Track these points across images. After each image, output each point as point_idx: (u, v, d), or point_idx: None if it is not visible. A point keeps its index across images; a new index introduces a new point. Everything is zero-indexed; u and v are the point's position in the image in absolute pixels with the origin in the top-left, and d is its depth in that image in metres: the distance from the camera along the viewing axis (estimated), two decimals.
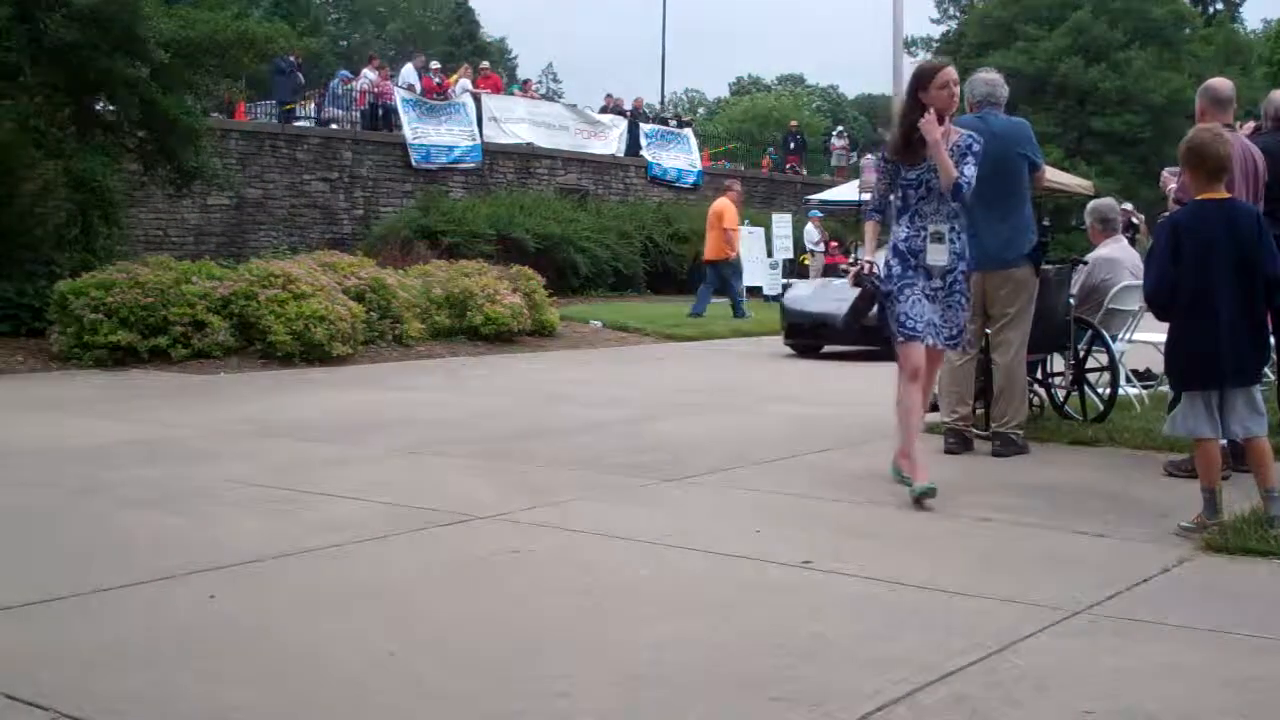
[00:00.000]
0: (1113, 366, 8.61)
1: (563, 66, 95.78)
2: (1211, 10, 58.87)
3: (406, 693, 3.48)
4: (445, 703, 3.42)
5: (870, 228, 6.78)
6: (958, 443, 7.65)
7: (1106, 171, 41.52)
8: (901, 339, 6.39)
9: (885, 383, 11.52)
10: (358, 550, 5.11)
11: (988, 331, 7.77)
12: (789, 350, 15.43)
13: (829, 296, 14.63)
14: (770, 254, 28.17)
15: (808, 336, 15.21)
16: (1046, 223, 10.17)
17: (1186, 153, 5.44)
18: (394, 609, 4.31)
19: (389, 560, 4.99)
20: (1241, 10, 61.09)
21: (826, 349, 15.22)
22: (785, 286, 21.46)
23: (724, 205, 20.35)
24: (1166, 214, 6.27)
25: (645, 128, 32.99)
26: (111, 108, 15.35)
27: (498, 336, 15.66)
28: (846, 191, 31.29)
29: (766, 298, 24.70)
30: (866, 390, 11.16)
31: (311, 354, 12.92)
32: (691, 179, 33.49)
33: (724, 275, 20.42)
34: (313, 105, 27.77)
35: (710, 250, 20.44)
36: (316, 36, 34.68)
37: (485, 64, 34.70)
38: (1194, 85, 7.57)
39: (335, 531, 5.39)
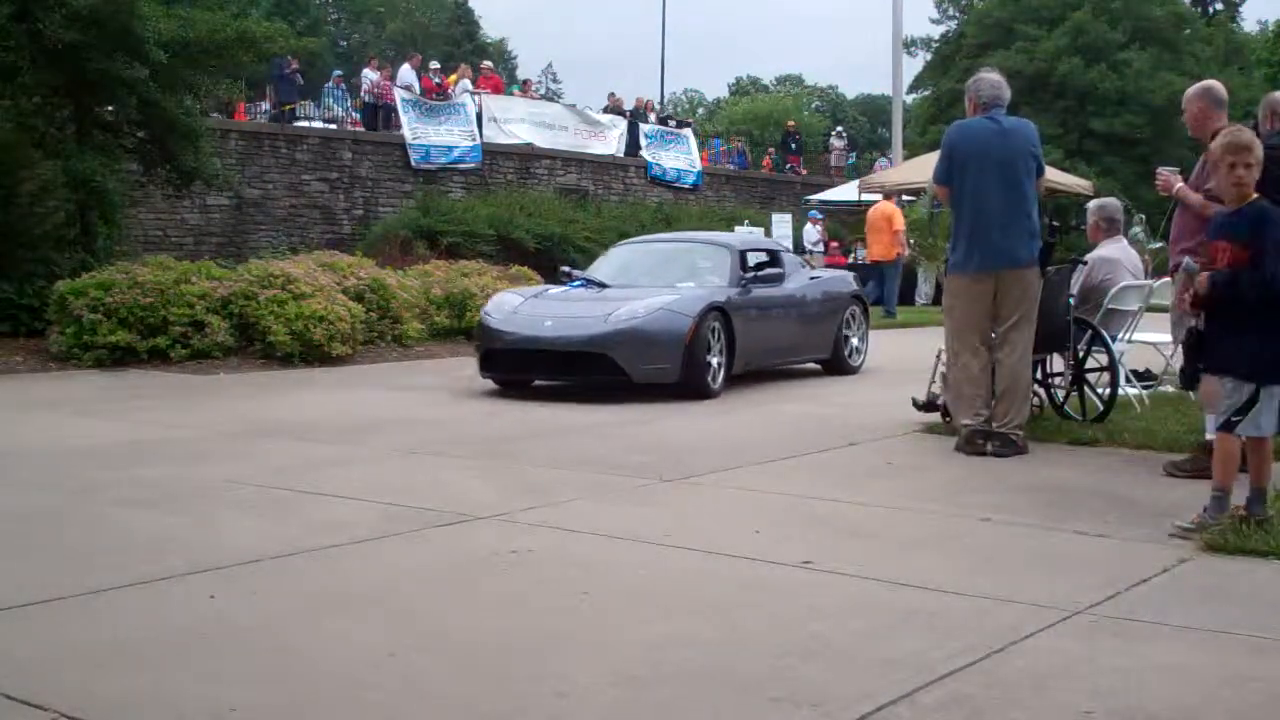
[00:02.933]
0: (1112, 367, 8.61)
1: (562, 67, 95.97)
2: (1211, 11, 58.84)
3: (406, 693, 3.48)
4: (445, 703, 3.42)
5: None
6: (987, 440, 7.56)
7: (1106, 172, 41.44)
8: None
9: (878, 385, 11.57)
10: (357, 550, 5.11)
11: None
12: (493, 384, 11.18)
13: (544, 312, 10.95)
14: None
15: (514, 367, 10.92)
16: (1055, 223, 10.07)
17: (1251, 149, 5.39)
18: (393, 609, 4.30)
19: (388, 560, 4.99)
20: (1242, 10, 61.06)
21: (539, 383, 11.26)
22: None
23: (892, 209, 21.58)
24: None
25: (645, 128, 32.96)
26: (110, 108, 15.35)
27: None
28: (846, 192, 31.32)
29: None
30: (869, 392, 11.18)
31: (311, 354, 12.92)
32: (691, 179, 33.48)
33: (886, 274, 21.39)
34: (295, 106, 27.73)
35: (880, 251, 21.46)
36: (316, 36, 34.65)
37: (486, 64, 34.67)
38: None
39: (335, 532, 5.39)
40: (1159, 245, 18.66)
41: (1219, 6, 59.41)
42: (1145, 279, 9.87)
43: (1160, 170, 7.12)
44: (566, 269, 13.11)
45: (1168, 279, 7.93)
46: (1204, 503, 5.40)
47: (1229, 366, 5.37)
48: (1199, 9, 57.56)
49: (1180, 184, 6.95)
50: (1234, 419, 5.31)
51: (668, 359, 10.33)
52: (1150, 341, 9.80)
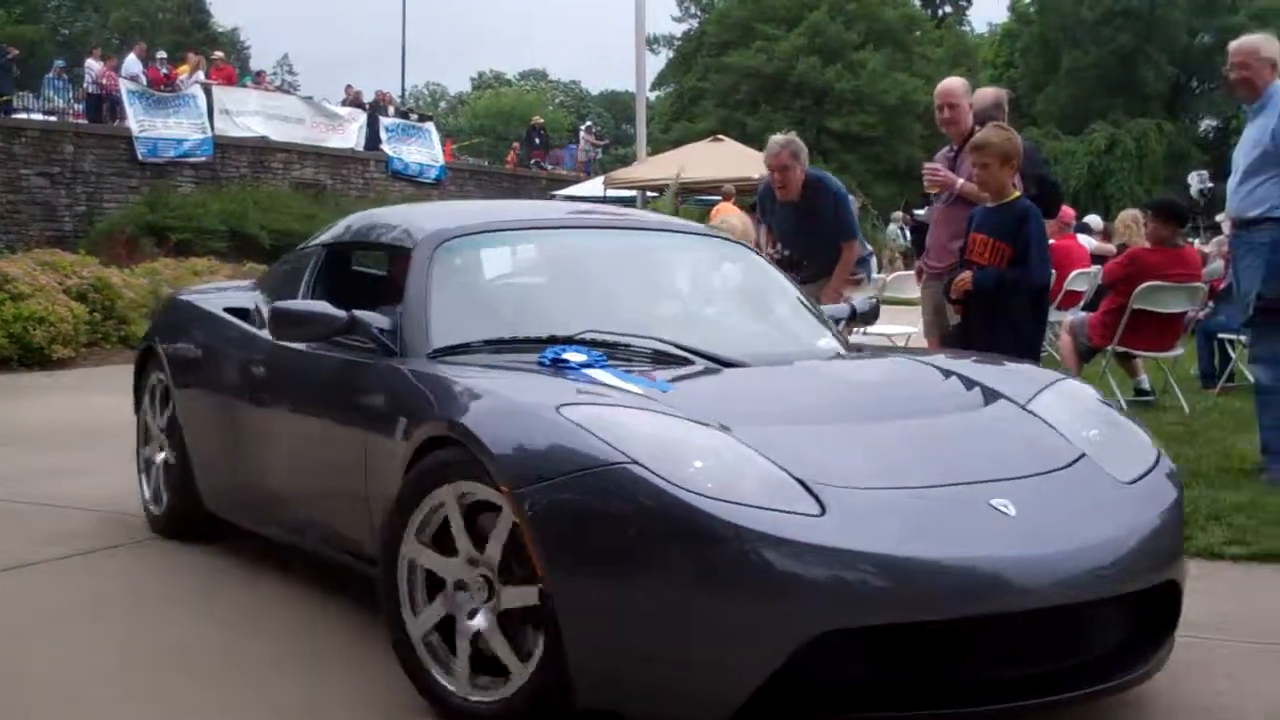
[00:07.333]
0: None
1: (299, 59, 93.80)
2: (941, 14, 61.62)
3: (141, 706, 3.28)
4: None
5: None
6: None
7: (843, 169, 42.84)
8: None
9: None
10: (85, 562, 4.84)
11: None
12: None
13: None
14: None
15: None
16: None
17: (983, 148, 5.55)
18: (127, 622, 4.09)
19: (118, 572, 4.74)
20: (969, 14, 64.17)
21: None
22: None
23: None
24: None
25: (386, 121, 32.53)
26: None
27: None
28: (592, 187, 31.54)
29: None
30: None
31: (30, 358, 12.30)
32: (434, 174, 33.19)
33: None
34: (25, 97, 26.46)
35: None
36: (35, 24, 32.96)
37: (218, 54, 33.64)
38: (926, 86, 7.58)
39: (62, 543, 5.08)
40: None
41: (948, 9, 62.30)
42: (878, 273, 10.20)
43: (935, 168, 6.57)
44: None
45: (901, 273, 8.08)
46: None
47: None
48: (929, 11, 60.22)
49: (962, 180, 6.34)
50: None
51: None
52: (885, 334, 10.12)
